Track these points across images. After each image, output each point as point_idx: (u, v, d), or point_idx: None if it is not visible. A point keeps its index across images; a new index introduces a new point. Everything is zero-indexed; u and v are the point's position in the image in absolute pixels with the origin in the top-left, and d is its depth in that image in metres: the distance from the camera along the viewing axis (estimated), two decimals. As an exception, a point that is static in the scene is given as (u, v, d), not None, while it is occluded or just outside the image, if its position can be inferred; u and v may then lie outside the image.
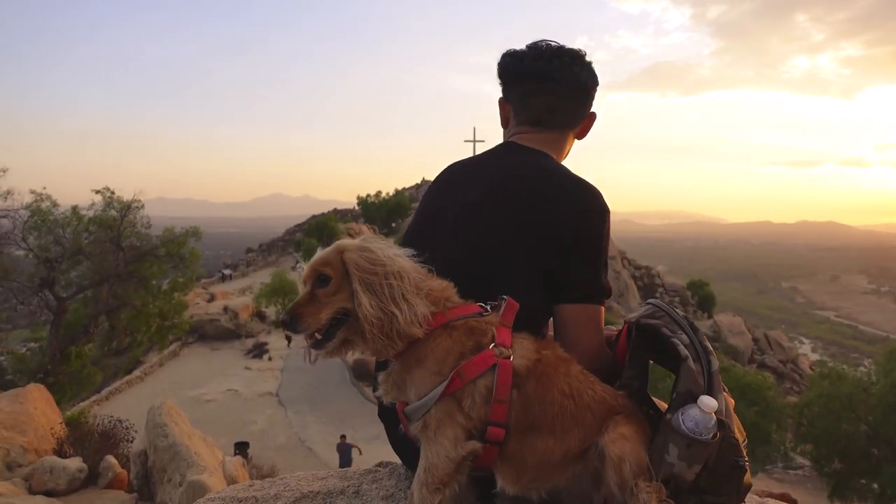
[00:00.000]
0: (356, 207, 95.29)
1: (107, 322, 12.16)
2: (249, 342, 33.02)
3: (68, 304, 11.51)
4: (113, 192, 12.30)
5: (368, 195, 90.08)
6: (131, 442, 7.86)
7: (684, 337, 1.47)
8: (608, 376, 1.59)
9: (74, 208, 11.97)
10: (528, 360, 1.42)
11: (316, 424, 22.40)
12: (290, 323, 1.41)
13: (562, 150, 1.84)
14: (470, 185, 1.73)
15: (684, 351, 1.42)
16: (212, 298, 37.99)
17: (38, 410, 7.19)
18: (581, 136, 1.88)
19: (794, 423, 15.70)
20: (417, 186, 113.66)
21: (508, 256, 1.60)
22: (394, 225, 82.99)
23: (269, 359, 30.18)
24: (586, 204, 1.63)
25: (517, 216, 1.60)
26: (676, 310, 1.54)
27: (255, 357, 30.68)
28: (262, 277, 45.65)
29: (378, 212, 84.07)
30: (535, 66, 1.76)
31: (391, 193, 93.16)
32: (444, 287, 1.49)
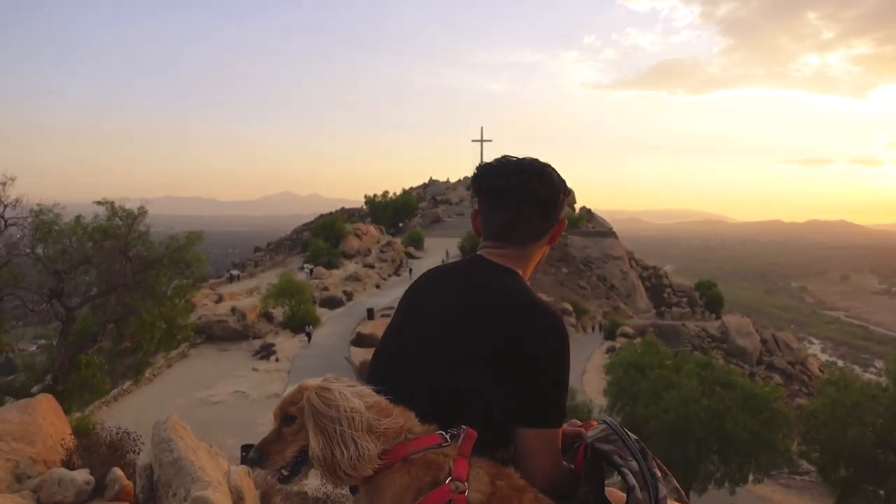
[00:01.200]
0: (364, 207, 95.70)
1: (115, 330, 12.29)
2: (257, 343, 33.20)
3: (77, 313, 11.65)
4: (114, 204, 12.43)
5: (375, 195, 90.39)
6: (138, 454, 7.92)
7: (634, 464, 1.50)
8: (568, 489, 1.61)
9: (77, 218, 12.09)
10: (483, 493, 1.43)
11: (325, 427, 22.53)
12: (258, 460, 1.47)
13: (528, 262, 1.84)
14: (436, 302, 1.75)
15: (632, 480, 1.46)
16: (220, 299, 38.19)
17: (46, 421, 7.26)
18: (552, 242, 1.88)
19: (802, 429, 15.67)
20: (425, 186, 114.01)
21: (470, 379, 1.62)
22: (401, 225, 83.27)
23: (277, 360, 30.35)
24: (546, 328, 1.63)
25: (477, 339, 1.62)
26: (629, 435, 1.57)
27: (262, 358, 30.85)
28: (269, 278, 45.87)
29: (385, 212, 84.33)
30: (495, 183, 1.77)
31: (398, 193, 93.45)
32: (402, 420, 1.51)
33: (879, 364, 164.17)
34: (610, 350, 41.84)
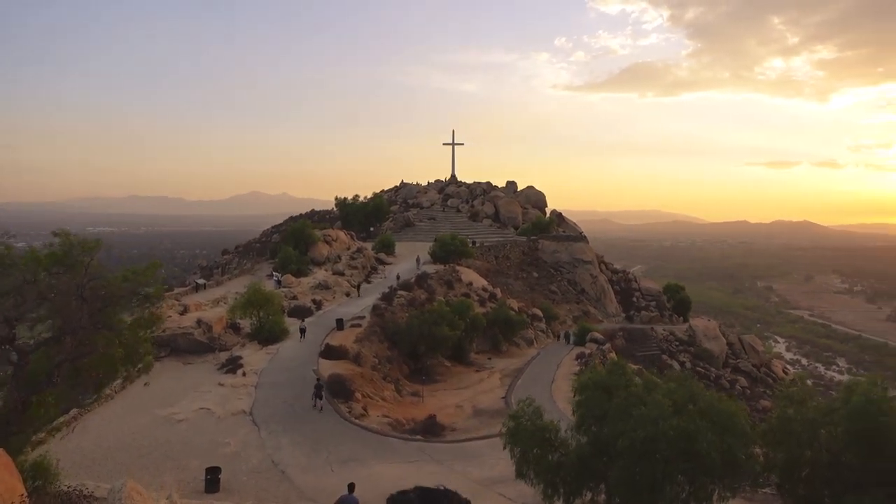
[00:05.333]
0: (334, 209, 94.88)
1: (72, 368, 11.85)
2: (223, 356, 32.58)
3: (30, 357, 11.22)
4: (70, 235, 12.00)
5: (346, 198, 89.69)
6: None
7: None
8: None
9: (32, 250, 11.64)
10: None
11: (290, 446, 22.15)
12: None
13: None
14: None
15: None
16: (185, 310, 37.44)
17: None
18: None
19: (762, 446, 15.88)
20: (396, 189, 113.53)
21: None
22: (372, 229, 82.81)
23: (244, 374, 29.80)
24: None
25: None
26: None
27: (228, 372, 30.26)
28: (237, 287, 45.16)
29: (356, 216, 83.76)
30: None
31: (369, 196, 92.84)
32: None
33: (842, 362, 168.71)
34: (580, 357, 42.10)
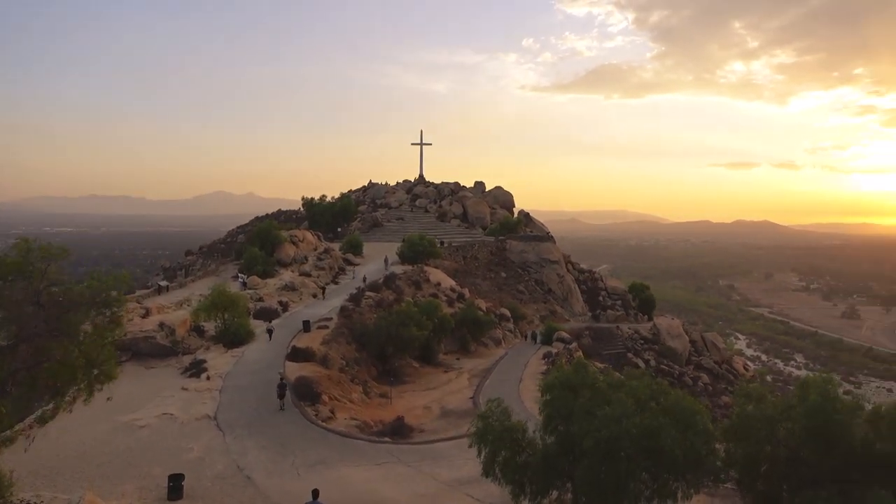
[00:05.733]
0: (301, 210, 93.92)
1: (28, 376, 11.44)
2: (187, 360, 31.97)
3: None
4: (29, 241, 11.60)
5: (313, 198, 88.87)
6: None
7: None
8: None
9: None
10: None
11: (255, 450, 21.84)
12: None
13: None
14: None
15: None
16: (147, 313, 36.62)
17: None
18: None
19: (723, 442, 16.24)
20: (364, 189, 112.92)
21: None
22: (339, 229, 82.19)
23: (208, 378, 29.27)
24: None
25: None
26: None
27: (192, 376, 29.70)
28: (201, 289, 44.34)
29: (323, 216, 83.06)
30: None
31: (337, 196, 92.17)
32: None
33: (799, 358, 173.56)
34: (547, 356, 42.47)
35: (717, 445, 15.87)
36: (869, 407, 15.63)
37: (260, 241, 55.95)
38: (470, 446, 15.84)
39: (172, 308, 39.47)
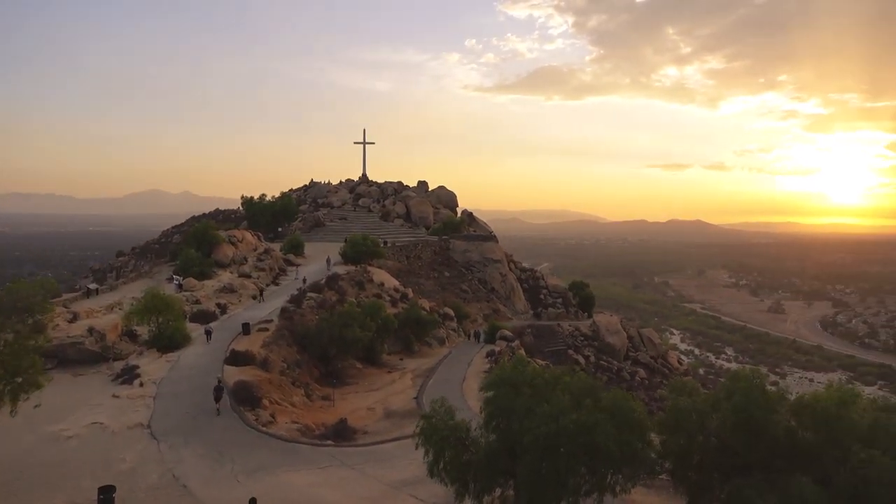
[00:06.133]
0: (240, 209, 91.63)
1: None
2: (118, 366, 30.67)
3: None
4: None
5: (252, 197, 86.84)
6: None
7: None
8: None
9: None
10: None
11: (192, 458, 21.15)
12: None
13: None
14: None
15: None
16: (74, 318, 34.92)
17: None
18: None
19: (659, 435, 16.79)
20: (305, 188, 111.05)
21: None
22: (280, 229, 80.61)
23: (141, 384, 28.17)
24: None
25: None
26: None
27: (124, 383, 28.52)
28: (133, 291, 42.63)
29: (263, 216, 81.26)
30: None
31: (277, 195, 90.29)
32: None
33: (730, 351, 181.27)
34: (490, 354, 42.90)
35: (654, 438, 16.42)
36: (792, 398, 16.47)
37: (197, 241, 54.27)
38: (417, 447, 15.84)
39: (102, 312, 37.79)
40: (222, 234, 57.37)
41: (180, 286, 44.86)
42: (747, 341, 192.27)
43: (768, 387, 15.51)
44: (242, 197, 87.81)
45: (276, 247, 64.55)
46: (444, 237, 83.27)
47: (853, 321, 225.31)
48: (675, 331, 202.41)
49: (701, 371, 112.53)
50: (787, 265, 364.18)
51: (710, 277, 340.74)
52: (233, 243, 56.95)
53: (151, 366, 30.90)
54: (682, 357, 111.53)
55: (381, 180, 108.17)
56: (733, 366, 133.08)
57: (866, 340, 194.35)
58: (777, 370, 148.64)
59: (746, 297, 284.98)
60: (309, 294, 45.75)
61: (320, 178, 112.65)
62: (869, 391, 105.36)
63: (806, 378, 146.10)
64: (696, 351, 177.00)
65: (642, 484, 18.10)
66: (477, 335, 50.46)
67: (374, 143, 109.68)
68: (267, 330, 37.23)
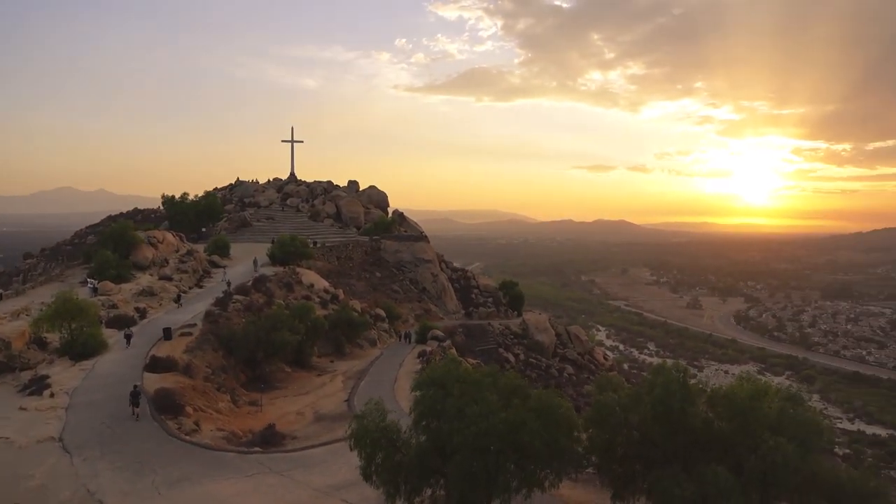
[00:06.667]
0: (161, 208, 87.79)
1: None
2: (26, 376, 28.75)
3: None
4: None
5: (174, 196, 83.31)
6: None
7: None
8: None
9: None
10: None
11: (109, 472, 20.07)
12: None
13: None
14: None
15: None
16: (-24, 326, 32.52)
17: None
18: None
19: (585, 430, 17.27)
20: (231, 187, 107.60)
21: None
22: (204, 230, 77.74)
23: (52, 395, 26.50)
24: None
25: None
26: None
27: (32, 394, 26.73)
28: (43, 296, 40.09)
29: (185, 215, 78.13)
30: None
31: (201, 195, 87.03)
32: None
33: (652, 346, 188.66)
34: (421, 354, 42.93)
35: (582, 434, 16.89)
36: (709, 390, 17.31)
37: (113, 242, 51.58)
38: (351, 449, 15.67)
39: (7, 318, 35.32)
40: (141, 234, 54.77)
41: (95, 290, 42.53)
42: (668, 336, 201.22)
43: (690, 381, 16.21)
44: (163, 196, 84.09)
45: (201, 248, 62.23)
46: (375, 237, 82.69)
47: (763, 315, 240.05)
48: (600, 327, 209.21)
49: (626, 366, 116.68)
50: (704, 263, 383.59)
51: (633, 276, 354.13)
52: (153, 244, 54.49)
53: (63, 375, 29.14)
54: (608, 353, 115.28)
55: (310, 179, 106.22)
56: (655, 360, 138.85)
57: (775, 333, 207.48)
58: (695, 363, 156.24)
59: (667, 294, 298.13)
60: (235, 296, 44.39)
61: (247, 177, 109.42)
62: (777, 381, 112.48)
63: (722, 370, 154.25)
64: (621, 346, 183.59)
65: (570, 478, 18.59)
66: (408, 336, 50.40)
67: (302, 142, 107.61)
68: (190, 334, 35.85)
